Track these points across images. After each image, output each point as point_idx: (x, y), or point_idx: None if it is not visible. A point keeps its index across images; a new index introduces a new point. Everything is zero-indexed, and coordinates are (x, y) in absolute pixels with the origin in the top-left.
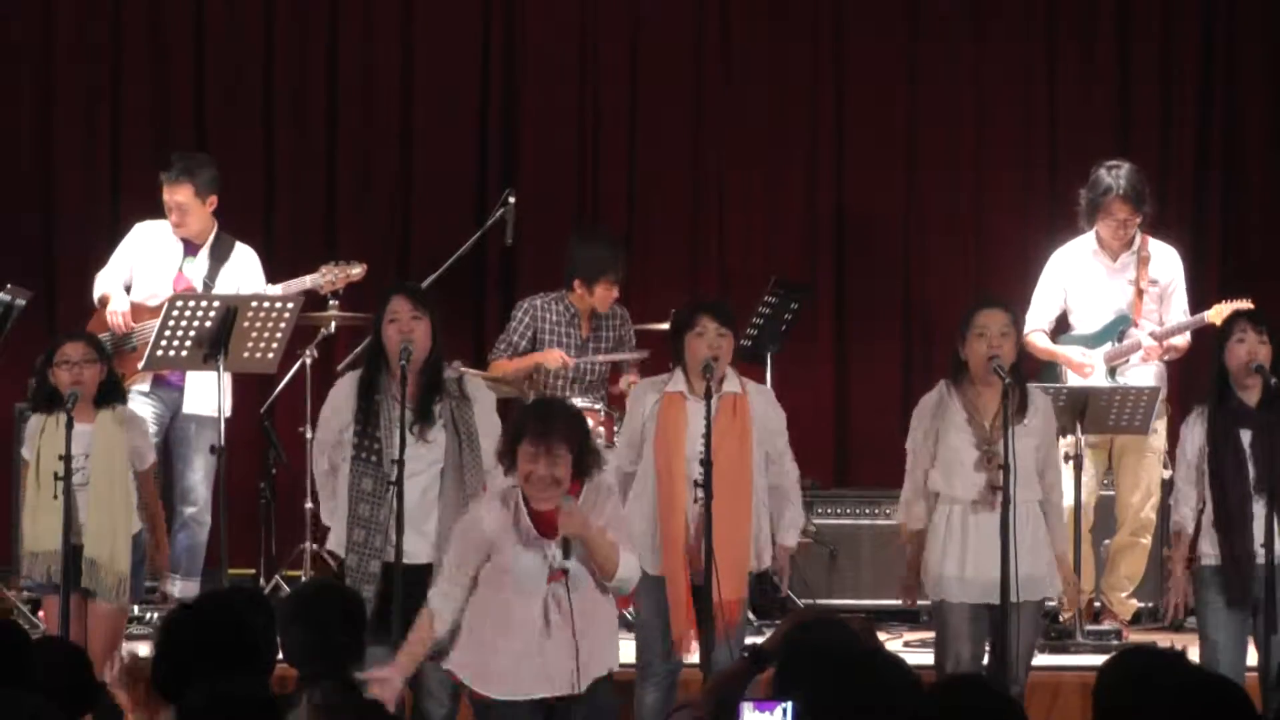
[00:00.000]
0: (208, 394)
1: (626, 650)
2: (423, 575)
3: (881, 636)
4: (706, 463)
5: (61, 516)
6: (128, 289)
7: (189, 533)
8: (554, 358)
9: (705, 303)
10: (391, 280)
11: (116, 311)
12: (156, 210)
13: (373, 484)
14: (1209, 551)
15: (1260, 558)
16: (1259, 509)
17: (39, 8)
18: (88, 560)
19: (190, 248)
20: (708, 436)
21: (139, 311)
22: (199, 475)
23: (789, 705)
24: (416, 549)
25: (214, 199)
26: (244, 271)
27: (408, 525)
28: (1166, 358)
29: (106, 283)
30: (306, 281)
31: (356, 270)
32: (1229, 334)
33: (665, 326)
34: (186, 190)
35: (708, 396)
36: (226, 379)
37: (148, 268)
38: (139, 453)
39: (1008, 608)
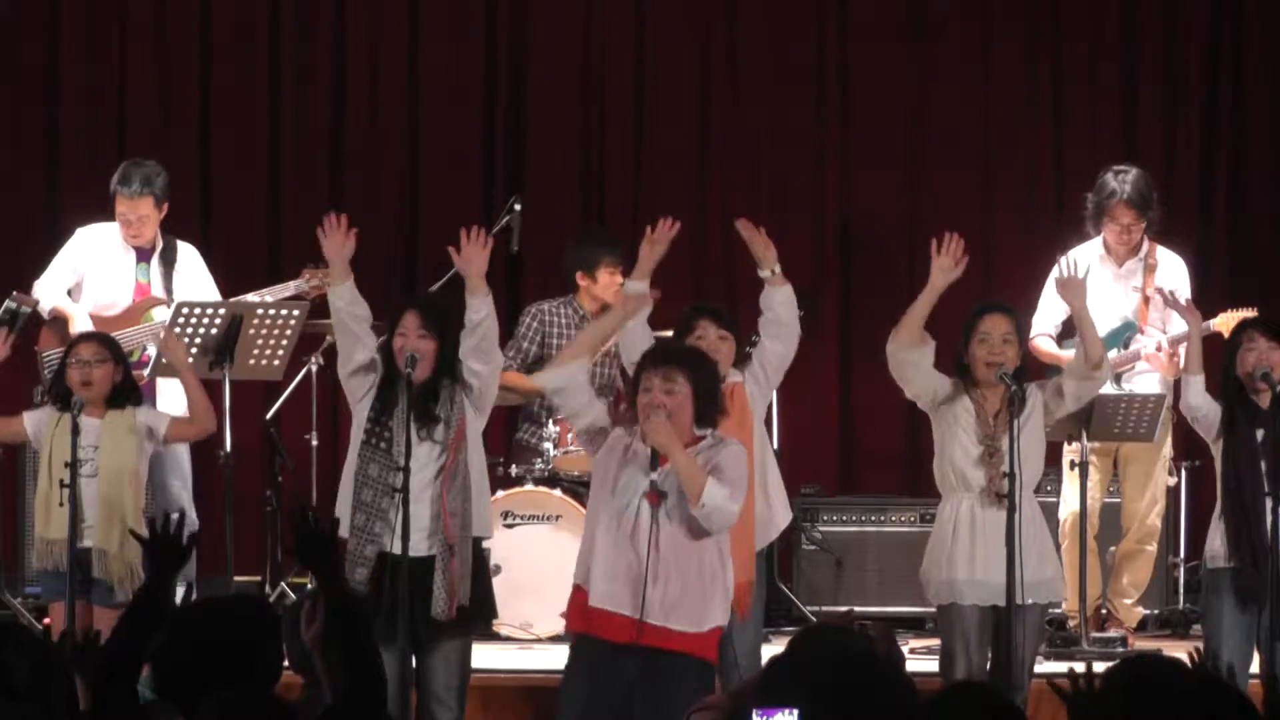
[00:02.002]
0: (175, 402)
1: None
2: (424, 568)
3: None
4: None
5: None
6: (69, 294)
7: None
8: None
9: (704, 306)
10: (398, 290)
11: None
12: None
13: (379, 470)
14: (1219, 552)
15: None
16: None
17: (44, 14)
18: (97, 551)
19: (141, 254)
20: None
21: (98, 322)
22: (178, 482)
23: (797, 713)
24: (416, 543)
25: (167, 206)
26: (193, 273)
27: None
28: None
29: (52, 294)
30: (290, 287)
31: None
32: (1239, 342)
33: (670, 334)
34: (148, 203)
35: None
36: (176, 384)
37: (101, 276)
38: (156, 429)
39: (1012, 613)
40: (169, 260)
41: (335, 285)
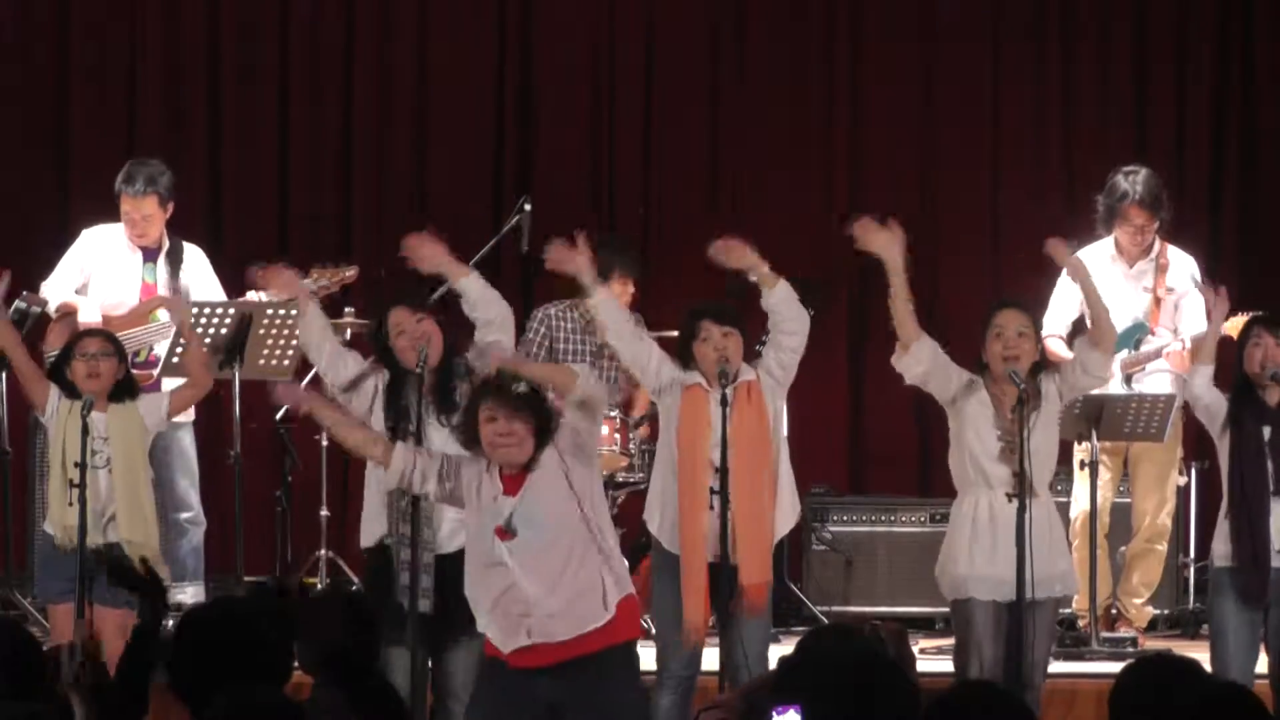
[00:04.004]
0: None
1: (645, 658)
2: (455, 564)
3: None
4: (722, 470)
5: (91, 498)
6: (77, 294)
7: (187, 537)
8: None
9: (705, 306)
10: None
11: (90, 325)
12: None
13: None
14: (1223, 552)
15: (1276, 560)
16: (1275, 506)
17: (53, 20)
18: (124, 542)
19: (148, 254)
20: (723, 443)
21: (107, 321)
22: (187, 480)
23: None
24: (454, 537)
25: (172, 206)
26: (199, 274)
27: (446, 513)
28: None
29: (61, 292)
30: None
31: (350, 272)
32: (1245, 339)
33: (674, 335)
34: (152, 202)
35: (723, 404)
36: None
37: (107, 276)
38: (159, 413)
39: (1024, 611)
40: (175, 260)
41: (302, 312)
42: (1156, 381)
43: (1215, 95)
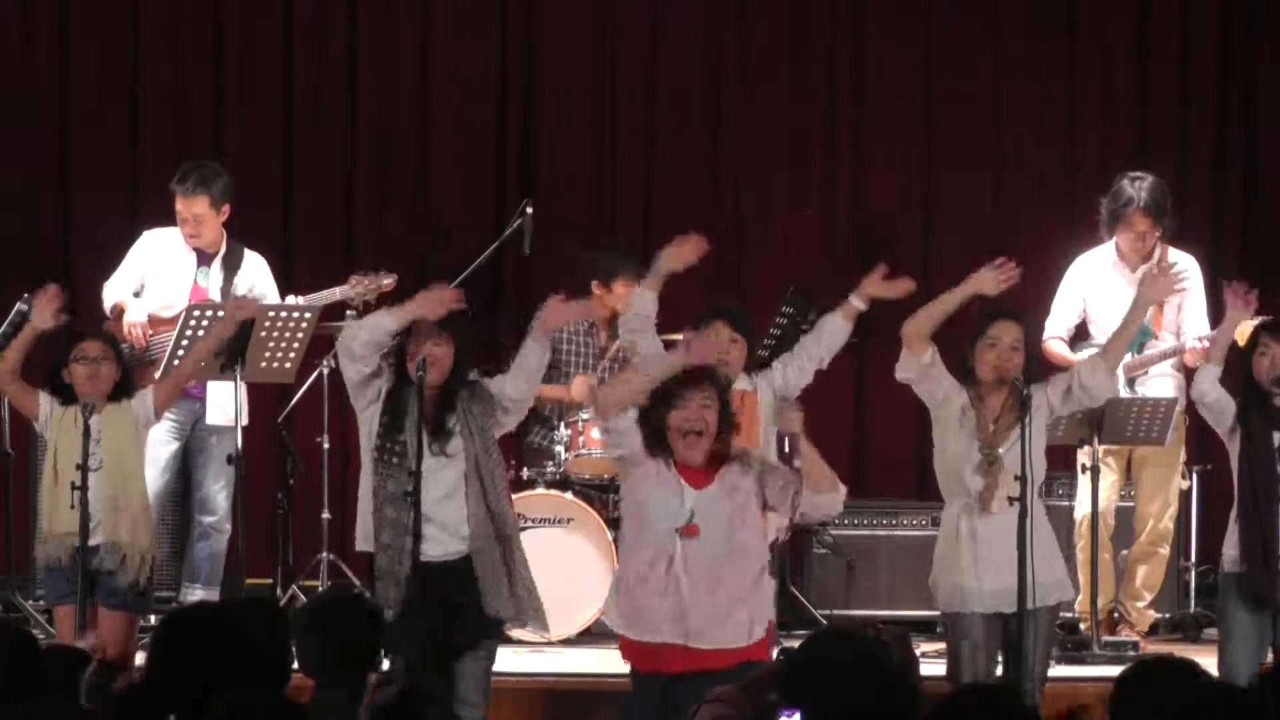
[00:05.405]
0: (228, 404)
1: None
2: (447, 571)
3: None
4: None
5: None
6: (136, 296)
7: (209, 541)
8: (580, 390)
9: (722, 307)
10: (410, 291)
11: (135, 324)
12: (174, 219)
13: (397, 486)
14: (1232, 555)
15: None
16: None
17: (55, 19)
18: (107, 544)
19: (203, 257)
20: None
21: (155, 322)
22: (218, 485)
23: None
24: (443, 546)
25: (228, 208)
26: (257, 280)
27: (432, 522)
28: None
29: (117, 292)
30: (336, 293)
31: (388, 281)
32: (1253, 348)
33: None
34: (203, 202)
35: None
36: (243, 389)
37: (161, 278)
38: (147, 409)
39: (1024, 618)
40: (232, 266)
41: (392, 319)
42: (1159, 385)
43: (1217, 96)
